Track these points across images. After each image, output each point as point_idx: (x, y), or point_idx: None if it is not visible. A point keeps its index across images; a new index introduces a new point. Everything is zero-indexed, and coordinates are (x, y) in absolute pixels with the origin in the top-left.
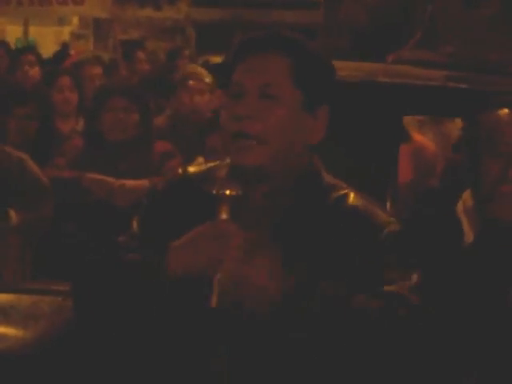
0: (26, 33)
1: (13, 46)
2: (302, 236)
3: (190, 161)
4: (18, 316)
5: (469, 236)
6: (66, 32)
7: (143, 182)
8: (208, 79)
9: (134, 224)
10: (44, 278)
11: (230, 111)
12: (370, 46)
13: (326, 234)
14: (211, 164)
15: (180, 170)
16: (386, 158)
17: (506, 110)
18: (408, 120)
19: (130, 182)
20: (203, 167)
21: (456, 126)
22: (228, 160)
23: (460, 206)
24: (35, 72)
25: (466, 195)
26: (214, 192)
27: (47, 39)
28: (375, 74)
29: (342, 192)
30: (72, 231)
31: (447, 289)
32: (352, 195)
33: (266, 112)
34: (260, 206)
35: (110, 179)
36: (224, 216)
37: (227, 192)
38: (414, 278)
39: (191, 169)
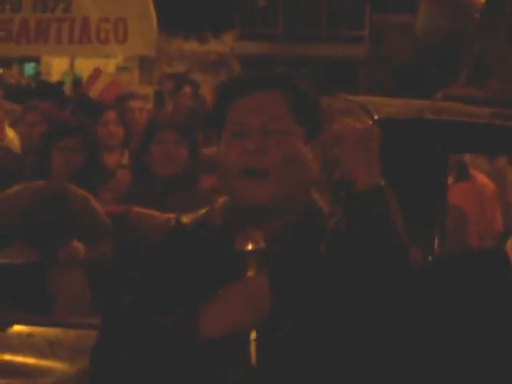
0: (72, 66)
1: (58, 79)
2: (296, 270)
3: None
4: (67, 350)
5: None
6: (111, 64)
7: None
8: None
9: (136, 285)
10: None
11: (237, 148)
12: (414, 81)
13: (324, 268)
14: (202, 211)
15: (174, 222)
16: (434, 195)
17: None
18: (467, 158)
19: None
20: (196, 215)
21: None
22: (219, 203)
23: (510, 244)
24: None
25: None
26: (237, 248)
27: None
28: (423, 111)
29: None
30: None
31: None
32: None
33: (275, 146)
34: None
35: (158, 214)
36: (252, 273)
37: (250, 247)
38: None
39: (185, 219)
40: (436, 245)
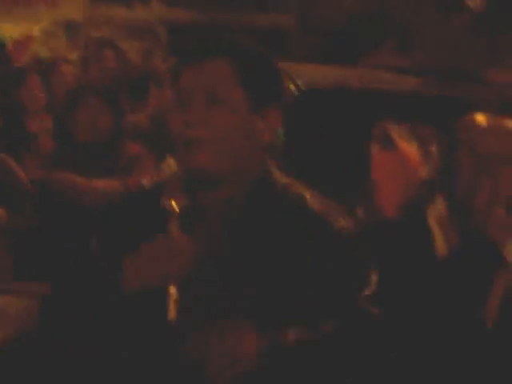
0: None
1: None
2: (258, 242)
3: (161, 160)
4: None
5: (440, 245)
6: (36, 29)
7: (114, 183)
8: None
9: (95, 235)
10: (20, 280)
11: (180, 118)
12: (344, 48)
13: (283, 238)
14: (165, 175)
15: (138, 184)
16: (359, 160)
17: (482, 116)
18: (393, 128)
19: (100, 183)
20: (159, 179)
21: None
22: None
23: (431, 214)
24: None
25: (439, 203)
26: (161, 205)
27: (17, 36)
28: (347, 79)
29: (298, 192)
30: (48, 233)
31: (414, 297)
32: (308, 196)
33: (214, 118)
34: (215, 213)
35: (81, 179)
36: (174, 229)
37: (173, 203)
38: (374, 279)
39: (145, 182)
40: (360, 211)
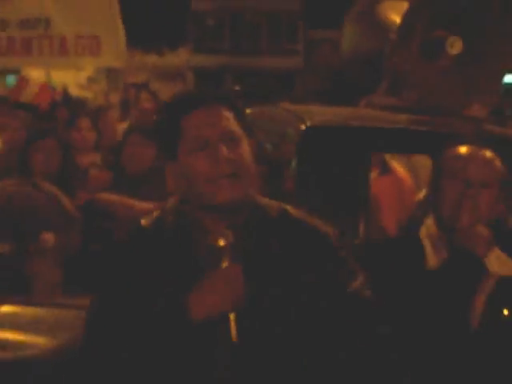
0: (48, 77)
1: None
2: (260, 253)
3: None
4: (47, 327)
5: (431, 259)
6: (82, 76)
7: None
8: None
9: (113, 278)
10: (70, 294)
11: (204, 158)
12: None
13: (280, 247)
14: (156, 213)
15: (135, 224)
16: (359, 187)
17: (463, 147)
18: (389, 156)
19: (145, 204)
20: (151, 217)
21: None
22: (169, 204)
23: (424, 231)
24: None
25: (430, 222)
26: (210, 243)
27: (67, 83)
28: (348, 118)
29: (279, 207)
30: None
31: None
32: (291, 209)
33: (235, 152)
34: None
35: (119, 198)
36: (226, 263)
37: (222, 243)
38: (361, 277)
39: (143, 222)
40: (361, 230)
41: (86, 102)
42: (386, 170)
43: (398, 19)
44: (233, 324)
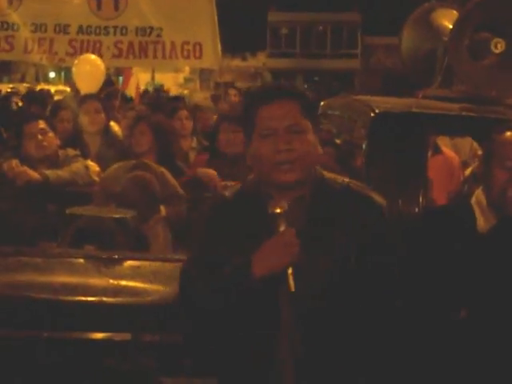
0: (153, 78)
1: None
2: (327, 221)
3: None
4: (164, 277)
5: (480, 221)
6: (180, 77)
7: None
8: None
9: (205, 242)
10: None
11: (269, 147)
12: (397, 86)
13: (344, 216)
14: (236, 187)
15: (220, 195)
16: (419, 165)
17: (510, 133)
18: (440, 139)
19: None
20: (233, 190)
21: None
22: (248, 181)
23: (473, 199)
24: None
25: (479, 192)
26: (270, 211)
27: (168, 82)
28: (410, 106)
29: (344, 181)
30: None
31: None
32: (352, 183)
33: (297, 143)
34: (294, 206)
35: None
36: (283, 228)
37: (278, 210)
38: (393, 255)
39: (227, 193)
40: (422, 200)
41: (184, 98)
42: (437, 150)
43: (449, 25)
44: (291, 277)
